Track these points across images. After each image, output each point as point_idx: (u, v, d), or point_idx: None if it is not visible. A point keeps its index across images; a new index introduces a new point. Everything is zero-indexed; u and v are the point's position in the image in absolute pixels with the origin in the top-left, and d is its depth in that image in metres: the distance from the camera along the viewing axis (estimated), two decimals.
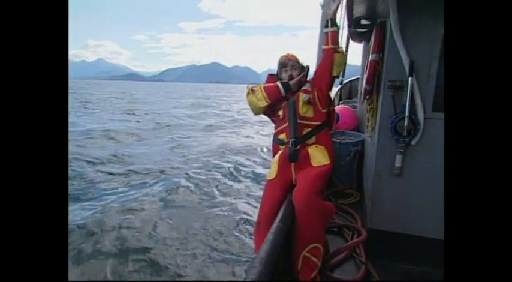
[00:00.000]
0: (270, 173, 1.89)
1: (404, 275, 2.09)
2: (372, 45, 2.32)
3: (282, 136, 1.84)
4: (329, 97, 1.94)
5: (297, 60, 1.94)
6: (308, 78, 1.99)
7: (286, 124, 1.83)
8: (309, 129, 1.81)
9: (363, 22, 3.06)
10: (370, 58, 2.31)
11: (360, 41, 3.91)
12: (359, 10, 2.65)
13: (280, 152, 1.82)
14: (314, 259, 1.60)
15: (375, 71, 2.29)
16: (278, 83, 1.87)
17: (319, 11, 1.95)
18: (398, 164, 2.08)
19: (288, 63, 1.90)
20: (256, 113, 1.96)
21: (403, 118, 1.99)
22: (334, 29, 1.83)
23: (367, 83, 2.39)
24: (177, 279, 3.32)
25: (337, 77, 1.94)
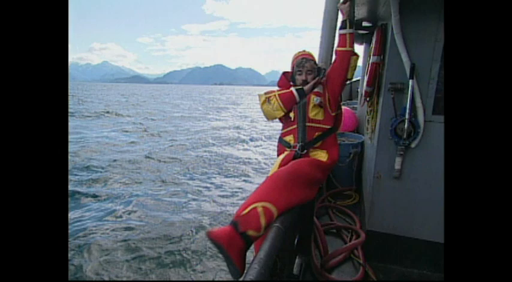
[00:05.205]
0: (271, 172, 1.87)
1: (402, 277, 2.09)
2: (373, 47, 2.32)
3: (289, 138, 1.80)
4: (339, 100, 1.86)
5: (313, 59, 1.84)
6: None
7: (295, 126, 1.78)
8: (318, 134, 1.75)
9: (364, 24, 3.07)
10: (371, 60, 2.32)
11: (361, 43, 3.92)
12: (360, 12, 2.66)
13: (286, 152, 1.78)
14: (262, 219, 1.33)
15: (375, 73, 2.29)
16: (293, 89, 1.77)
17: (321, 12, 1.93)
18: (397, 166, 2.08)
19: (305, 64, 1.80)
20: (270, 120, 1.90)
21: (403, 121, 1.99)
22: (352, 30, 1.73)
23: (367, 85, 2.40)
24: (175, 279, 3.33)
25: (350, 79, 1.88)
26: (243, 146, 11.10)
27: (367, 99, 2.60)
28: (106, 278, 3.27)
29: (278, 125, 1.93)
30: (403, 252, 2.15)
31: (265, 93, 1.86)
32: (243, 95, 72.31)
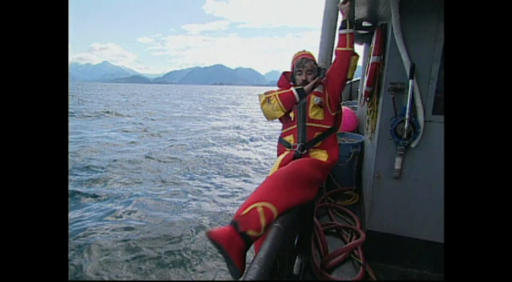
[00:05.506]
0: (271, 172, 1.87)
1: (402, 277, 2.09)
2: (373, 47, 2.32)
3: (289, 138, 1.80)
4: (339, 100, 1.86)
5: (313, 59, 1.84)
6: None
7: (295, 126, 1.78)
8: (318, 134, 1.75)
9: (364, 24, 3.07)
10: (371, 60, 2.32)
11: (361, 43, 3.92)
12: (360, 12, 2.66)
13: (286, 152, 1.77)
14: (262, 219, 1.33)
15: (375, 73, 2.29)
16: (293, 89, 1.78)
17: (321, 12, 1.93)
18: (397, 166, 2.08)
19: (305, 64, 1.80)
20: (270, 120, 1.90)
21: (403, 121, 1.99)
22: (352, 30, 1.73)
23: (367, 85, 2.40)
24: (175, 279, 3.33)
25: (350, 79, 1.88)
26: (243, 146, 11.10)
27: (367, 99, 2.60)
28: (106, 278, 3.27)
29: (278, 125, 1.93)
30: (403, 252, 2.15)
31: (265, 93, 1.86)
32: (243, 95, 72.29)
